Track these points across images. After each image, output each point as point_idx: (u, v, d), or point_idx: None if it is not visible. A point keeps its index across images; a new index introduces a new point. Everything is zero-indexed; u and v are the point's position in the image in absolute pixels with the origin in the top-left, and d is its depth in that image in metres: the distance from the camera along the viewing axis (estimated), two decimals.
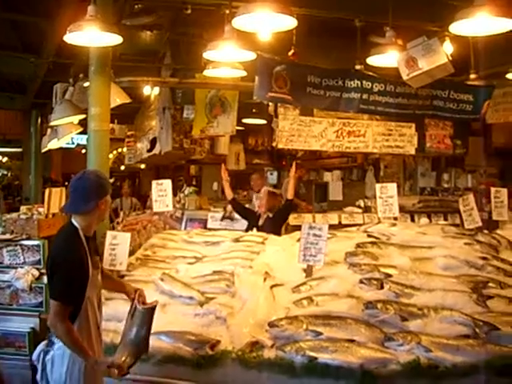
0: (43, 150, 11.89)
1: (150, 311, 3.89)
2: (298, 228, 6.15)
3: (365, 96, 7.59)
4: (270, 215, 7.69)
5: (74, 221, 3.75)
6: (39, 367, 3.84)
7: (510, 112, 9.34)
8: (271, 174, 14.43)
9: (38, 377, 3.85)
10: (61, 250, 3.73)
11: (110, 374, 3.67)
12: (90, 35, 5.76)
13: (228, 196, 8.09)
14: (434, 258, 5.57)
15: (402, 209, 7.91)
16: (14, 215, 5.97)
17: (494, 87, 8.19)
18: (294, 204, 8.09)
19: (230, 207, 8.47)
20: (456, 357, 4.13)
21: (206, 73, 7.61)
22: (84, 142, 11.13)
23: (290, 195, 7.74)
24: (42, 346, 4.01)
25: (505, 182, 10.14)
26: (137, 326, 3.84)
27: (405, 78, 6.82)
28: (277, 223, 7.68)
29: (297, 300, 4.90)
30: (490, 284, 5.09)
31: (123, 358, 3.73)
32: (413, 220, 8.87)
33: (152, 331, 4.26)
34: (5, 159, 22.62)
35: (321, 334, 4.38)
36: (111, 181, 7.63)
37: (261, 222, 7.63)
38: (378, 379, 4.06)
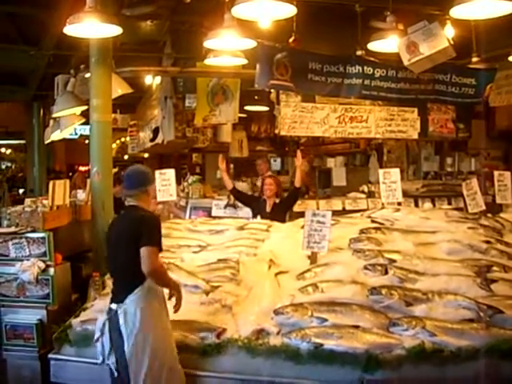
0: (46, 142, 11.87)
1: None
2: (301, 215, 6.17)
3: (366, 82, 7.56)
4: (277, 201, 7.74)
5: (132, 203, 4.46)
6: (103, 338, 4.31)
7: None
8: (274, 160, 14.43)
9: (104, 340, 4.31)
10: (141, 214, 4.38)
11: None
12: (90, 27, 5.74)
13: (228, 186, 8.12)
14: (438, 242, 5.60)
15: (405, 193, 7.91)
16: (19, 208, 5.98)
17: (496, 70, 8.14)
18: (300, 192, 8.14)
19: None
20: (460, 341, 4.17)
21: (207, 61, 7.60)
22: (87, 133, 11.09)
23: (297, 183, 7.78)
24: (103, 317, 4.35)
25: (508, 164, 10.13)
26: None
27: (406, 63, 6.78)
28: (284, 209, 7.72)
29: (302, 287, 4.93)
30: (494, 268, 5.12)
31: None
32: (416, 205, 8.85)
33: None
34: (8, 151, 22.64)
35: (326, 320, 4.41)
36: (114, 170, 7.63)
37: (268, 209, 7.66)
38: (383, 364, 4.10)
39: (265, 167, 10.04)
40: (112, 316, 4.25)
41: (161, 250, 4.31)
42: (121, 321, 4.18)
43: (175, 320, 4.60)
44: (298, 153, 7.89)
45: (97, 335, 4.37)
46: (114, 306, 4.27)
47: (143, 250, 4.14)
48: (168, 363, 4.24)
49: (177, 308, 4.43)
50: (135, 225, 4.30)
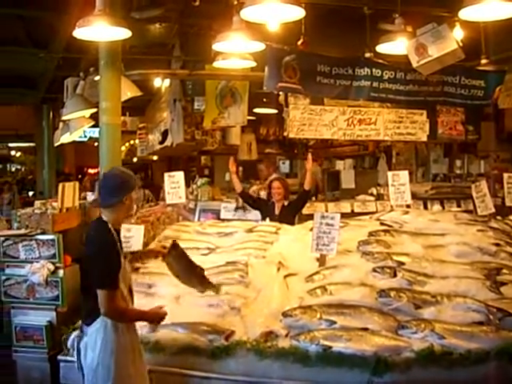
0: (56, 144, 11.95)
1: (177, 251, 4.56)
2: (310, 217, 6.16)
3: (375, 84, 7.57)
4: (286, 203, 7.74)
5: (103, 215, 4.03)
6: (75, 354, 4.08)
7: None
8: (283, 163, 14.42)
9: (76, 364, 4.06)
10: (95, 241, 4.00)
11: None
12: (99, 30, 5.77)
13: (237, 189, 8.11)
14: (447, 245, 5.58)
15: (414, 196, 7.89)
16: (29, 210, 6.01)
17: (505, 72, 8.13)
18: (310, 195, 8.12)
19: None
20: (470, 343, 4.14)
21: (216, 64, 7.61)
22: (96, 135, 11.16)
23: (307, 186, 7.76)
24: (75, 334, 4.19)
25: None
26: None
27: (415, 65, 6.78)
28: (292, 212, 7.72)
29: (310, 289, 4.92)
30: (504, 270, 5.09)
31: None
32: (425, 207, 8.83)
33: (167, 322, 4.35)
34: (18, 154, 22.75)
35: (335, 322, 4.40)
36: None
37: (277, 212, 7.66)
38: (392, 367, 4.08)
39: (268, 172, 9.96)
40: (80, 338, 4.02)
41: (116, 287, 3.84)
42: (82, 354, 3.95)
43: (184, 322, 4.62)
44: (309, 156, 7.86)
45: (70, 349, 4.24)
46: (82, 326, 4.02)
47: (98, 292, 3.81)
48: None
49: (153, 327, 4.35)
50: (87, 255, 4.00)
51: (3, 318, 6.63)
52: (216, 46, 6.59)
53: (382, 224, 6.27)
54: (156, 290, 5.29)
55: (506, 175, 7.67)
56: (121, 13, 6.70)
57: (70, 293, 5.62)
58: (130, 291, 4.15)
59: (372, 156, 12.86)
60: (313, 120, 8.56)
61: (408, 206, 7.25)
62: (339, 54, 7.75)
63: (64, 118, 9.05)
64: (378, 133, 8.91)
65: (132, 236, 6.13)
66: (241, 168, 11.99)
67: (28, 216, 5.80)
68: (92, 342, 3.87)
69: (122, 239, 5.80)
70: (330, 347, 4.20)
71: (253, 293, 5.10)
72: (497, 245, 5.56)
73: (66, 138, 10.08)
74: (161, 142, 11.62)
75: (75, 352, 4.08)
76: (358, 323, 4.37)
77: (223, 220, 8.19)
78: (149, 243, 6.42)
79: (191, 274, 4.63)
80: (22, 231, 5.69)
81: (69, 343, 4.29)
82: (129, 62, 8.17)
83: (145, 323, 4.33)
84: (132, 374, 3.92)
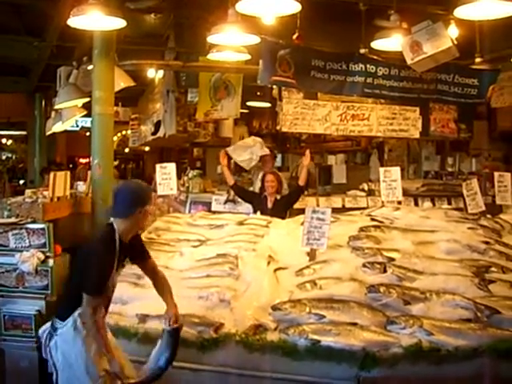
0: (47, 133, 11.92)
1: (174, 333, 4.19)
2: (301, 211, 6.17)
3: (369, 80, 7.58)
4: (278, 197, 7.74)
5: (114, 224, 4.00)
6: (43, 347, 4.05)
7: None
8: (275, 156, 14.40)
9: (44, 354, 4.07)
10: (97, 247, 3.98)
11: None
12: (94, 19, 5.76)
13: (229, 182, 8.10)
14: (437, 242, 5.60)
15: (405, 192, 7.90)
16: (19, 199, 6.00)
17: (499, 71, 8.15)
18: (303, 190, 8.12)
19: None
20: (458, 340, 4.17)
21: (210, 56, 7.61)
22: (88, 125, 11.13)
23: (301, 182, 7.76)
24: (46, 326, 4.11)
25: (509, 166, 10.12)
26: (160, 348, 4.17)
27: (409, 62, 6.79)
28: (285, 206, 7.71)
29: (300, 283, 4.93)
30: (492, 268, 5.13)
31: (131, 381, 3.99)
32: (416, 204, 8.84)
33: (155, 314, 4.35)
34: (9, 142, 22.63)
35: (324, 317, 4.42)
36: (115, 163, 7.65)
37: (269, 205, 7.66)
38: (380, 362, 4.10)
39: (271, 164, 9.90)
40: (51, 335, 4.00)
41: (101, 296, 3.90)
42: (53, 354, 3.96)
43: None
44: (307, 152, 7.83)
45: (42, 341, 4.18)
46: (55, 322, 3.99)
47: (83, 294, 3.85)
48: None
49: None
50: (84, 256, 4.02)
51: None
52: (211, 38, 6.58)
53: (372, 220, 6.29)
54: (145, 281, 5.26)
55: (496, 174, 7.72)
56: (115, 2, 6.64)
57: (59, 282, 5.62)
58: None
59: (364, 152, 12.85)
60: (306, 114, 8.56)
61: (399, 203, 7.27)
62: (334, 50, 7.74)
63: (56, 106, 9.03)
64: (371, 129, 8.92)
65: None
66: (232, 160, 11.98)
67: (18, 205, 5.79)
68: (68, 337, 3.87)
69: None
70: (319, 341, 4.22)
71: (242, 286, 5.10)
72: (486, 243, 5.60)
73: (57, 127, 10.06)
74: (153, 133, 11.59)
75: (45, 348, 4.04)
76: (347, 318, 4.39)
77: (214, 212, 8.19)
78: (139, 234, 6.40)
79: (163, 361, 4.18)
80: (13, 220, 5.67)
81: (40, 332, 4.16)
82: (123, 52, 8.13)
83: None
84: (107, 368, 3.90)
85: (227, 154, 8.62)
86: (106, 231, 4.00)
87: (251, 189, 9.07)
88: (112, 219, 4.02)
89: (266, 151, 9.05)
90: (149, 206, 4.14)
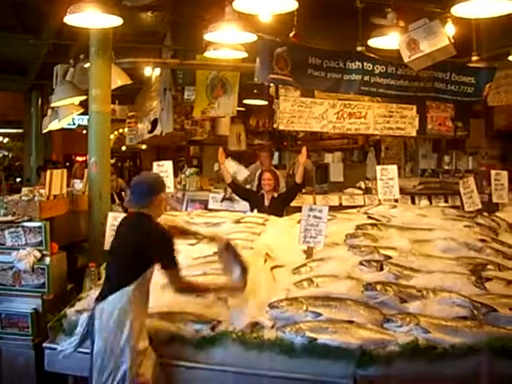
0: (44, 131, 11.86)
1: (228, 246, 4.84)
2: (298, 209, 6.17)
3: (366, 78, 7.58)
4: (275, 195, 7.74)
5: (143, 211, 4.38)
6: (80, 335, 4.38)
7: (511, 94, 9.30)
8: (273, 154, 14.40)
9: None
10: (154, 229, 4.35)
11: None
12: (91, 17, 5.75)
13: (227, 180, 8.09)
14: (434, 240, 5.60)
15: (402, 190, 7.91)
16: (16, 197, 5.98)
17: (495, 69, 8.16)
18: (300, 188, 8.13)
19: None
20: (454, 338, 4.17)
21: (207, 54, 7.60)
22: (85, 123, 11.09)
23: (298, 179, 7.76)
24: (85, 316, 4.45)
25: (506, 164, 10.14)
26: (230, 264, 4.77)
27: (406, 60, 6.79)
28: (282, 204, 7.72)
29: (297, 281, 4.93)
30: (489, 266, 5.12)
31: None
32: (413, 202, 8.87)
33: (154, 311, 4.37)
34: (6, 140, 22.59)
35: (320, 315, 4.41)
36: (112, 161, 7.64)
37: (267, 203, 7.67)
38: (376, 360, 4.10)
39: (269, 161, 9.86)
40: (93, 312, 4.26)
41: (179, 266, 4.35)
42: (97, 317, 4.19)
43: (170, 312, 4.61)
44: (304, 149, 7.82)
45: (78, 329, 4.44)
46: (97, 303, 4.27)
47: (167, 273, 4.30)
48: (133, 373, 4.15)
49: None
50: (143, 237, 4.28)
51: None
52: (208, 36, 6.58)
53: (369, 218, 6.29)
54: None
55: (493, 172, 7.71)
56: (112, 0, 6.65)
57: (56, 280, 5.62)
58: None
59: (361, 150, 12.89)
60: (303, 112, 8.56)
61: (396, 201, 7.28)
62: (331, 47, 7.75)
63: (53, 104, 8.99)
64: (368, 127, 8.93)
65: None
66: (230, 159, 11.98)
67: (15, 203, 5.78)
68: (110, 308, 4.14)
69: (110, 227, 5.92)
70: (316, 339, 4.22)
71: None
72: (483, 241, 5.59)
73: (54, 125, 10.02)
74: (150, 131, 11.58)
75: (83, 333, 4.34)
76: (344, 316, 4.39)
77: (211, 210, 8.19)
78: None
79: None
80: (9, 218, 5.66)
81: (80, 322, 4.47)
82: (119, 50, 8.11)
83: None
84: (146, 345, 4.24)
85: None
86: (144, 218, 4.35)
87: (248, 186, 9.06)
88: (136, 210, 4.41)
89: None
90: (163, 194, 4.55)
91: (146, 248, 4.22)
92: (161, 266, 4.28)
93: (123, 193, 10.28)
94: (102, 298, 4.25)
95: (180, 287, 4.36)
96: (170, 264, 4.28)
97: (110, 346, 4.12)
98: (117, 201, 8.94)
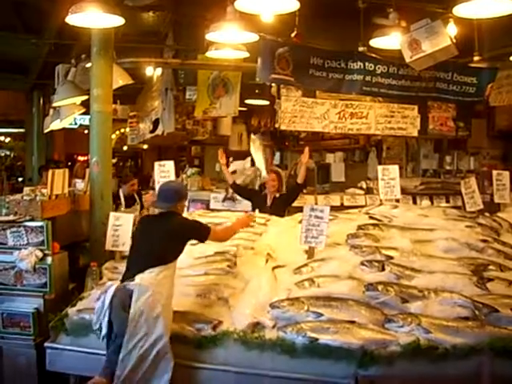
0: (46, 131, 11.86)
1: None
2: (300, 209, 6.17)
3: (367, 78, 7.56)
4: (277, 195, 7.74)
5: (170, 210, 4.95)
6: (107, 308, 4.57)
7: None
8: (274, 154, 14.41)
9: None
10: (183, 219, 5.06)
11: None
12: (92, 16, 5.75)
13: (229, 180, 8.10)
14: (435, 240, 5.60)
15: (403, 191, 7.91)
16: (18, 196, 5.98)
17: (497, 69, 8.13)
18: (302, 188, 8.12)
19: None
20: (456, 338, 4.18)
21: (209, 54, 7.60)
22: (87, 123, 11.10)
23: (300, 180, 7.76)
24: (114, 287, 4.61)
25: (507, 164, 10.12)
26: None
27: (408, 60, 6.78)
28: (284, 204, 7.71)
29: (298, 281, 4.94)
30: (491, 267, 5.13)
31: None
32: (415, 202, 8.86)
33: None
34: (7, 140, 22.58)
35: (322, 315, 4.42)
36: (113, 161, 7.63)
37: (269, 203, 7.67)
38: (377, 360, 4.11)
39: (271, 160, 9.81)
40: (123, 289, 4.52)
41: (209, 227, 5.04)
42: (136, 288, 4.45)
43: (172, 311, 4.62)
44: (306, 149, 7.81)
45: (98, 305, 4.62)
46: (127, 282, 4.55)
47: (209, 238, 5.00)
48: (160, 346, 4.41)
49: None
50: (181, 226, 4.88)
51: None
52: (209, 36, 6.58)
53: (371, 218, 6.30)
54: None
55: (495, 172, 7.71)
56: (114, 0, 6.65)
57: (57, 280, 5.63)
58: None
59: (362, 150, 12.85)
60: (304, 112, 8.55)
61: (397, 201, 7.27)
62: (333, 48, 7.73)
63: (55, 104, 8.99)
64: (369, 127, 8.92)
65: (121, 224, 6.13)
66: (231, 159, 11.99)
67: (17, 202, 5.78)
68: (148, 282, 4.47)
69: (111, 227, 5.95)
70: (317, 339, 4.23)
71: (241, 283, 5.12)
72: (484, 241, 5.60)
73: (56, 125, 10.02)
74: (151, 131, 11.57)
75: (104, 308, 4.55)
76: (345, 316, 4.40)
77: (212, 210, 8.19)
78: None
79: None
80: (11, 217, 5.66)
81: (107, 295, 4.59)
82: (121, 50, 8.11)
83: None
84: (167, 320, 4.51)
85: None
86: (172, 213, 4.91)
87: (250, 187, 9.06)
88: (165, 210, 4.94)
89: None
90: (185, 201, 5.28)
91: (190, 235, 4.90)
92: (199, 242, 5.10)
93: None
94: (134, 275, 4.55)
95: (220, 240, 5.33)
96: (205, 232, 4.94)
97: (147, 312, 4.38)
98: (137, 200, 8.94)
